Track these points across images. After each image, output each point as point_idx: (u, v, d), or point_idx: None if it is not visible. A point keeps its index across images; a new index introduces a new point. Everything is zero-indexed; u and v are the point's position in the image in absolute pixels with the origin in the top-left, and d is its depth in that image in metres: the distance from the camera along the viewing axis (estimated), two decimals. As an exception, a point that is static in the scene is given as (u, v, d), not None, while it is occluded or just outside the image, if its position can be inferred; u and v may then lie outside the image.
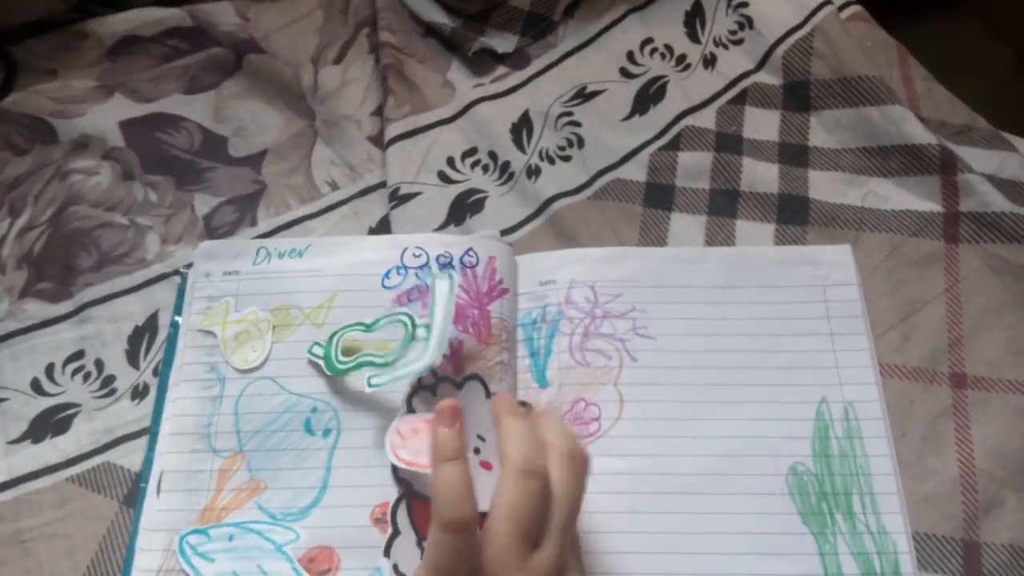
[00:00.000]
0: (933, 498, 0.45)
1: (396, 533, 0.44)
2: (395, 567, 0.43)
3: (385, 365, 0.46)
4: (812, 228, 0.53)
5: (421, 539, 0.44)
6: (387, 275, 0.50)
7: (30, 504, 0.48)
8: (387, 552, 0.44)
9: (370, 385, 0.46)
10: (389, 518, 0.45)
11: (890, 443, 0.46)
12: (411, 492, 0.45)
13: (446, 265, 0.50)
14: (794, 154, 0.56)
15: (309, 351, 0.49)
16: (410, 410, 0.46)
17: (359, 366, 0.47)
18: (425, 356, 0.45)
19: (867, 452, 0.46)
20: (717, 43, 0.60)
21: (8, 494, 0.48)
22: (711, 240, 0.53)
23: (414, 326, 0.47)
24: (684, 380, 0.48)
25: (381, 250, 0.51)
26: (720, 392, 0.48)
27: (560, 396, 0.48)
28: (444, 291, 0.47)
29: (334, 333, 0.49)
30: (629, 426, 0.47)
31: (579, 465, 0.38)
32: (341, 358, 0.48)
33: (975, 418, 0.47)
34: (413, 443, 0.44)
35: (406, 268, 0.50)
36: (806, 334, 0.49)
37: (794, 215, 0.54)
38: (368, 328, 0.49)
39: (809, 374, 0.48)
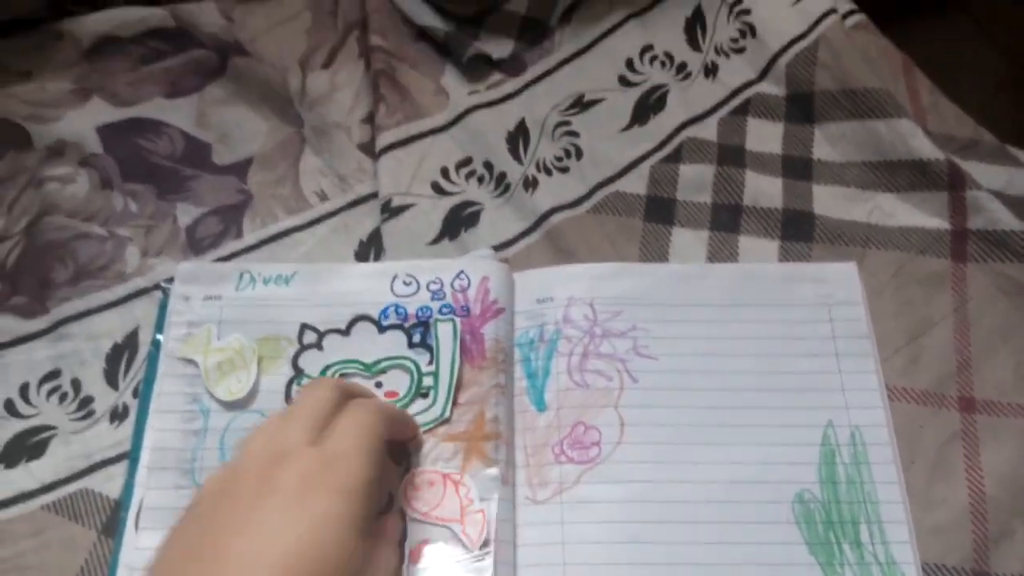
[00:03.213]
0: (942, 528, 0.44)
1: None
2: None
3: None
4: (817, 245, 0.52)
5: None
6: (384, 314, 0.48)
7: (2, 533, 0.46)
8: None
9: None
10: None
11: (898, 469, 0.45)
12: None
13: (437, 292, 0.48)
14: (798, 167, 0.54)
15: (298, 383, 0.47)
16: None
17: None
18: (435, 406, 0.45)
19: (874, 479, 0.45)
20: (719, 51, 0.59)
21: (-23, 523, 0.46)
22: (714, 256, 0.52)
23: (420, 374, 0.46)
24: (687, 402, 0.47)
25: (370, 279, 0.50)
26: (724, 415, 0.46)
27: (559, 419, 0.47)
28: (448, 336, 0.46)
29: (328, 367, 0.47)
30: (631, 451, 0.46)
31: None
32: None
33: (984, 444, 0.46)
34: (428, 495, 0.43)
35: (404, 306, 0.48)
36: (811, 355, 0.48)
37: (798, 231, 0.52)
38: (368, 368, 0.47)
39: (815, 397, 0.47)
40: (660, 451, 0.46)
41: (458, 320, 0.47)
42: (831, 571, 0.43)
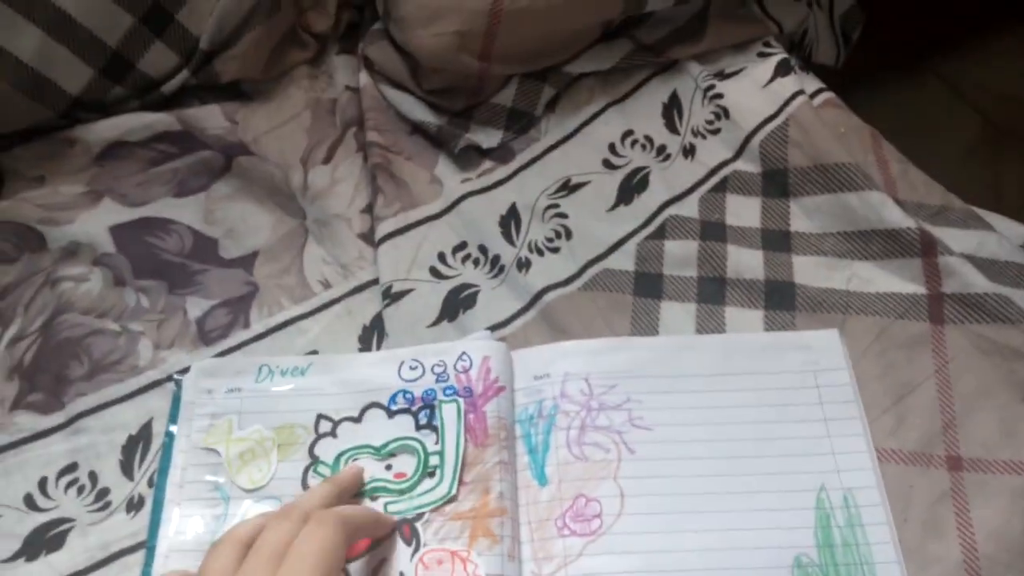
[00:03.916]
0: (938, 585, 0.45)
1: None
2: None
3: (401, 492, 0.47)
4: (800, 313, 0.54)
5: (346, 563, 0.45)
6: (392, 400, 0.51)
7: (24, 628, 0.47)
8: None
9: (386, 512, 0.47)
10: None
11: (891, 529, 0.46)
12: None
13: (441, 375, 0.51)
14: (777, 240, 0.57)
15: (315, 470, 0.49)
16: None
17: (373, 491, 0.48)
18: (442, 485, 0.47)
19: (869, 540, 0.46)
20: (695, 133, 0.62)
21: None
22: (702, 327, 0.54)
23: (426, 454, 0.48)
24: (684, 471, 0.48)
25: (378, 367, 0.52)
26: (720, 482, 0.48)
27: (560, 493, 0.48)
28: (452, 417, 0.49)
29: (341, 453, 0.49)
30: (631, 522, 0.47)
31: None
32: None
33: (973, 501, 0.47)
34: (437, 573, 0.45)
35: (411, 392, 0.51)
36: (801, 421, 0.50)
37: (781, 300, 0.55)
38: (377, 452, 0.49)
39: (806, 461, 0.48)
40: (660, 520, 0.47)
41: (461, 401, 0.49)
42: (832, 633, 0.44)
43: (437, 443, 0.48)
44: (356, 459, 0.49)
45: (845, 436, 0.49)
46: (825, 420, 0.50)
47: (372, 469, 0.49)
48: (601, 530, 0.47)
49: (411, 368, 0.51)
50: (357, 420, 0.50)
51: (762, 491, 0.48)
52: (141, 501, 0.50)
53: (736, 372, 0.51)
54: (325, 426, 0.50)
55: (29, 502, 0.50)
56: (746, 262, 0.56)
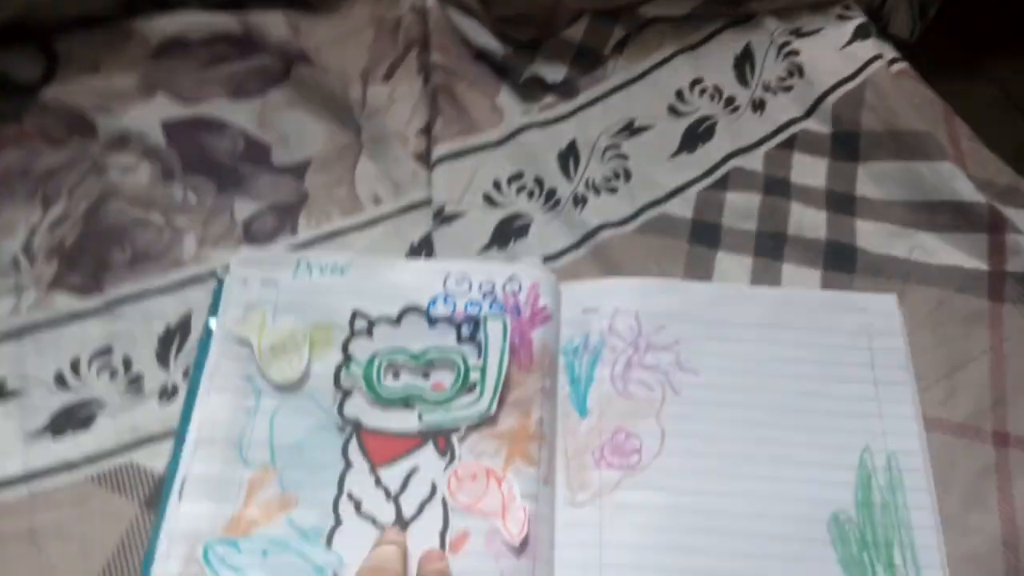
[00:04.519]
0: (976, 555, 0.44)
1: (348, 466, 0.45)
2: (349, 495, 0.44)
3: (438, 403, 0.46)
4: (859, 277, 0.53)
5: (374, 467, 0.45)
6: (432, 303, 0.50)
7: (46, 501, 0.46)
8: (340, 485, 0.45)
9: (422, 422, 0.46)
10: (341, 455, 0.45)
11: (932, 496, 0.46)
12: (359, 427, 0.46)
13: (489, 293, 0.50)
14: (841, 202, 0.56)
15: (347, 369, 0.48)
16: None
17: (406, 398, 0.47)
18: (481, 402, 0.46)
19: (909, 504, 0.45)
20: (766, 88, 0.61)
21: (23, 489, 0.47)
22: (756, 282, 0.53)
23: (467, 369, 0.47)
24: (728, 417, 0.48)
25: (424, 275, 0.51)
26: (764, 432, 0.47)
27: (600, 425, 0.47)
28: (498, 334, 0.47)
29: (376, 355, 0.48)
30: (671, 461, 0.46)
31: None
32: (385, 383, 0.47)
33: (1017, 478, 0.47)
34: (471, 487, 0.44)
35: (454, 300, 0.50)
36: (850, 381, 0.49)
37: (841, 263, 0.54)
38: (415, 358, 0.48)
39: (853, 421, 0.48)
40: (699, 463, 0.46)
41: (508, 319, 0.48)
42: (863, 592, 0.43)
43: (479, 359, 0.48)
44: (392, 363, 0.48)
45: (894, 401, 0.48)
46: (875, 383, 0.49)
47: (409, 376, 0.48)
48: (639, 465, 0.46)
49: (457, 282, 0.50)
50: (395, 323, 0.49)
51: (805, 445, 0.47)
52: (175, 390, 0.50)
53: (789, 326, 0.50)
54: (361, 324, 0.49)
55: (59, 380, 0.50)
56: (809, 221, 0.55)
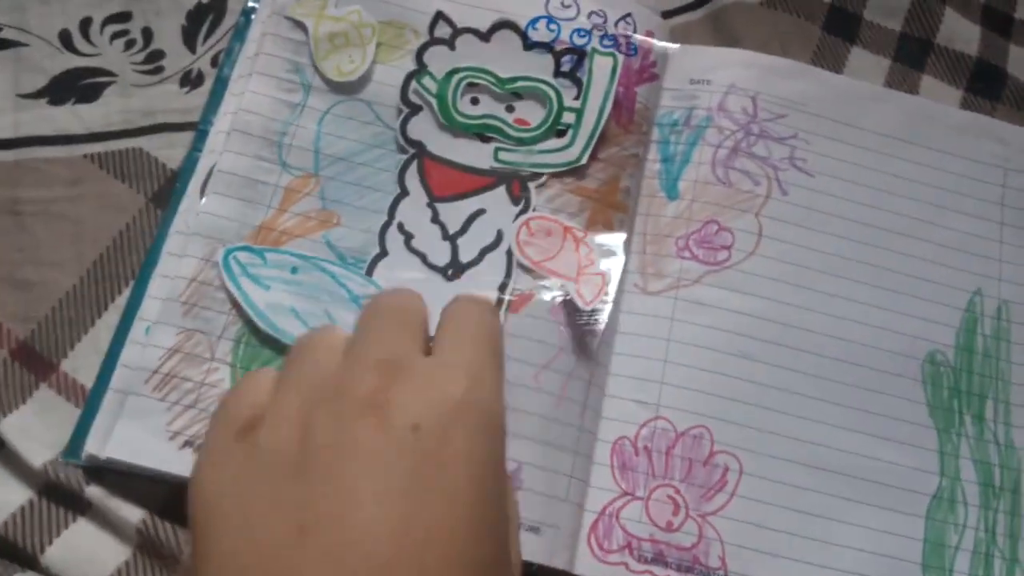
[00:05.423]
0: (1072, 424, 0.40)
1: (404, 193, 0.38)
2: (400, 225, 0.38)
3: (520, 141, 0.39)
4: (1003, 107, 0.46)
5: (433, 199, 0.38)
6: (533, 24, 0.41)
7: (35, 173, 0.39)
8: (391, 213, 0.38)
9: (496, 160, 0.39)
10: (396, 179, 0.39)
11: (1037, 356, 0.41)
12: (423, 152, 0.39)
13: (600, 25, 0.41)
14: (998, 21, 0.48)
15: (419, 81, 0.40)
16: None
17: (484, 127, 0.39)
18: (572, 148, 0.39)
19: (1012, 358, 0.41)
20: None
21: (8, 154, 0.39)
22: (891, 88, 0.46)
23: (561, 107, 0.39)
24: (835, 230, 0.41)
25: None
26: (871, 253, 0.41)
27: (690, 212, 0.41)
28: (605, 73, 0.40)
29: (454, 71, 0.40)
30: (763, 264, 0.40)
31: None
32: (461, 108, 0.39)
33: None
34: (543, 243, 0.38)
35: (559, 23, 0.41)
36: (974, 216, 0.43)
37: (987, 87, 0.46)
38: (500, 83, 0.40)
39: (969, 260, 0.42)
40: (795, 272, 0.41)
41: (620, 57, 0.41)
42: (946, 438, 0.39)
43: (577, 99, 0.40)
44: (473, 84, 0.40)
45: (1018, 247, 0.43)
46: (1002, 224, 0.43)
47: (489, 104, 0.40)
48: (727, 263, 0.40)
49: (564, 5, 0.42)
50: (484, 38, 0.41)
51: (913, 276, 0.41)
52: (200, 78, 0.42)
53: (919, 143, 0.43)
54: (443, 30, 0.40)
55: (65, 40, 0.42)
56: (962, 32, 0.47)
